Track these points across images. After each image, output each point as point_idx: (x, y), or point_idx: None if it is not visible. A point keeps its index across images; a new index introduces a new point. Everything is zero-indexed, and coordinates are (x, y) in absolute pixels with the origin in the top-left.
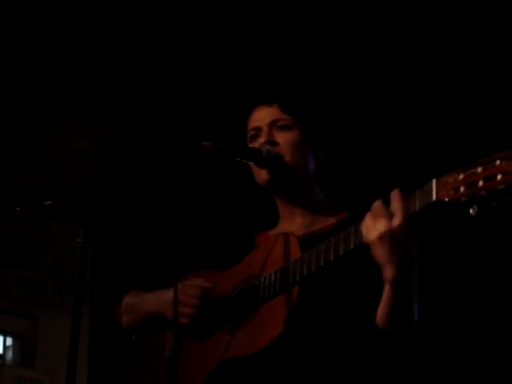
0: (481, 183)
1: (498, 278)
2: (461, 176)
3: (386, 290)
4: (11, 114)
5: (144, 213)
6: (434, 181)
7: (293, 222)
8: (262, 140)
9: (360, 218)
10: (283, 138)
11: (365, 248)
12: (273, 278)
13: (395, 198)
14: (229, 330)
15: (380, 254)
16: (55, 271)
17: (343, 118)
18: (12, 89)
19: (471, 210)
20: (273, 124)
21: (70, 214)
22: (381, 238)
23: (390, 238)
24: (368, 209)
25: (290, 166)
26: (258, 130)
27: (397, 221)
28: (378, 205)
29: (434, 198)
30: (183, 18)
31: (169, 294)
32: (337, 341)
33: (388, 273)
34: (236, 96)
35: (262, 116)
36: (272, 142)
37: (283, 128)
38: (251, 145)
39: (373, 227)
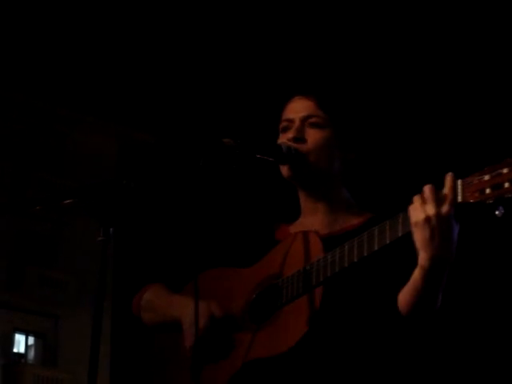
0: (507, 185)
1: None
2: (486, 177)
3: (416, 275)
4: (31, 113)
5: (164, 211)
6: (459, 182)
7: (315, 218)
8: (290, 135)
9: (384, 219)
10: (312, 136)
11: (387, 248)
12: (296, 278)
13: (448, 184)
14: (251, 330)
15: (421, 237)
16: (76, 270)
17: (375, 122)
18: (32, 88)
19: (497, 212)
20: (306, 119)
21: (91, 213)
22: (426, 220)
23: (436, 222)
24: (392, 210)
25: (313, 165)
26: (291, 121)
27: (446, 207)
28: (429, 188)
29: (460, 199)
30: (206, 17)
31: (190, 308)
32: (362, 343)
33: (423, 259)
34: (257, 93)
35: (298, 108)
36: (299, 139)
37: (315, 125)
38: (282, 135)
39: (420, 209)
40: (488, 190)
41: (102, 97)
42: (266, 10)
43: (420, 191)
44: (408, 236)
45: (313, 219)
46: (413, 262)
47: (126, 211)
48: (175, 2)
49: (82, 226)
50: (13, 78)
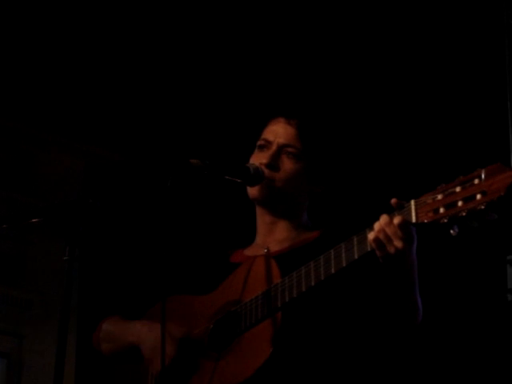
0: (460, 203)
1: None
2: (439, 196)
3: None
4: None
5: (131, 231)
6: (412, 202)
7: (270, 237)
8: (264, 160)
9: (334, 234)
10: (286, 166)
11: (344, 271)
12: (254, 304)
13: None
14: (212, 359)
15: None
16: (41, 289)
17: (346, 162)
18: None
19: (452, 231)
20: (284, 146)
21: (57, 232)
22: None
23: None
24: (340, 225)
25: (280, 191)
26: (269, 143)
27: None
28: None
29: (414, 219)
30: (176, 34)
31: (150, 334)
32: (325, 361)
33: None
34: (225, 115)
35: (279, 133)
36: (272, 166)
37: (291, 156)
38: (257, 152)
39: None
40: (442, 210)
41: (68, 116)
42: (249, 25)
43: (367, 209)
44: (365, 256)
45: (268, 238)
46: (370, 282)
47: (92, 230)
48: (145, 25)
49: (48, 244)
50: None
